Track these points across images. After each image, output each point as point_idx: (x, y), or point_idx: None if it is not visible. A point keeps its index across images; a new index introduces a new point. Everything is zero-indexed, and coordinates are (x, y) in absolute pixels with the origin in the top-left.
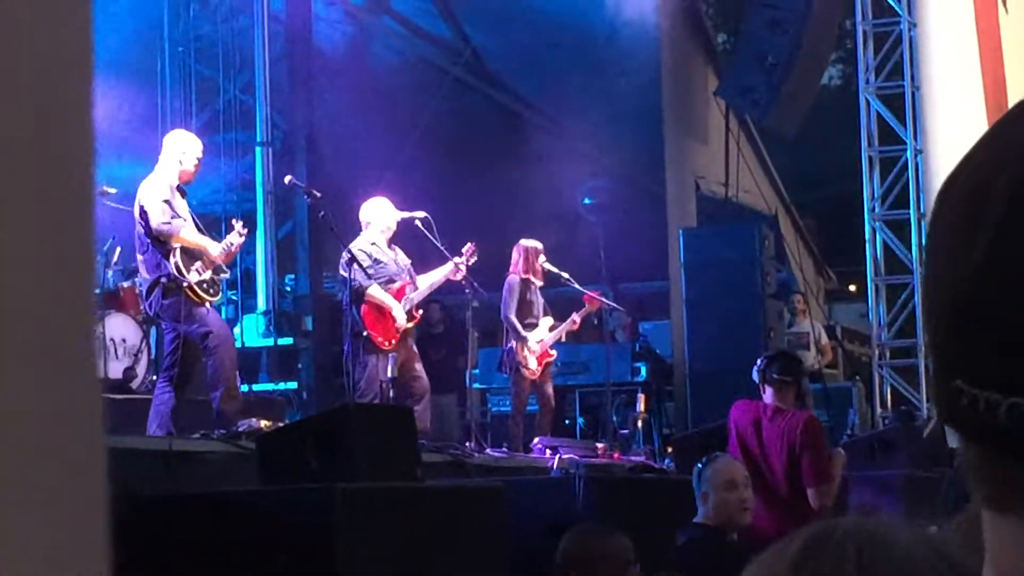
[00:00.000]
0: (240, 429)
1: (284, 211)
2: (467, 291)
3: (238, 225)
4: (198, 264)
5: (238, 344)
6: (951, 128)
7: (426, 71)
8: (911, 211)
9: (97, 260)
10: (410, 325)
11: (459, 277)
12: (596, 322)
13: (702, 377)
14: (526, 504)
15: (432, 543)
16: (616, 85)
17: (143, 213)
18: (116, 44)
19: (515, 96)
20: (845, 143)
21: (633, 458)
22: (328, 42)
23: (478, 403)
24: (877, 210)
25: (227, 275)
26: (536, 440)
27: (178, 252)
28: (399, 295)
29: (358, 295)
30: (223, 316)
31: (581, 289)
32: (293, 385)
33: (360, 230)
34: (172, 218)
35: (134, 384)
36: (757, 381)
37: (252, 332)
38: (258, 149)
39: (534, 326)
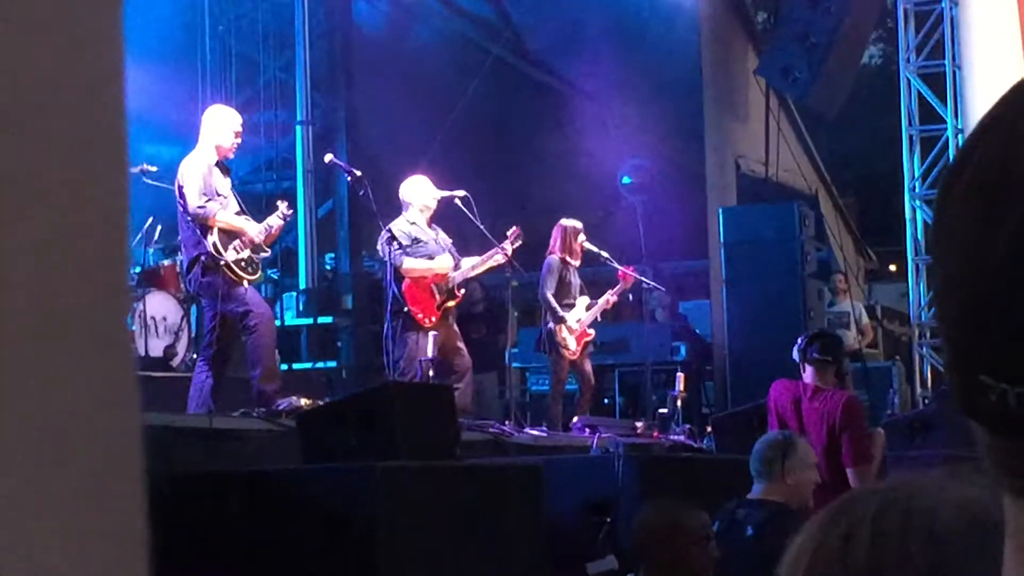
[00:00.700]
0: (280, 407)
1: (324, 190)
2: (507, 271)
3: (283, 205)
4: (236, 243)
5: (278, 323)
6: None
7: (466, 50)
8: None
9: (138, 239)
10: (451, 303)
11: (503, 261)
12: (631, 298)
13: (741, 356)
14: (565, 483)
15: (471, 521)
16: (656, 64)
17: (181, 193)
18: (157, 23)
19: (555, 75)
20: (885, 122)
21: (672, 437)
22: (368, 21)
23: (517, 382)
24: (917, 189)
25: (268, 254)
26: (575, 419)
27: (216, 231)
28: (439, 276)
29: (397, 272)
30: (263, 295)
31: (619, 267)
32: (333, 364)
33: (400, 209)
34: (208, 201)
35: (174, 362)
36: (797, 360)
37: (292, 311)
38: (298, 128)
39: (571, 306)
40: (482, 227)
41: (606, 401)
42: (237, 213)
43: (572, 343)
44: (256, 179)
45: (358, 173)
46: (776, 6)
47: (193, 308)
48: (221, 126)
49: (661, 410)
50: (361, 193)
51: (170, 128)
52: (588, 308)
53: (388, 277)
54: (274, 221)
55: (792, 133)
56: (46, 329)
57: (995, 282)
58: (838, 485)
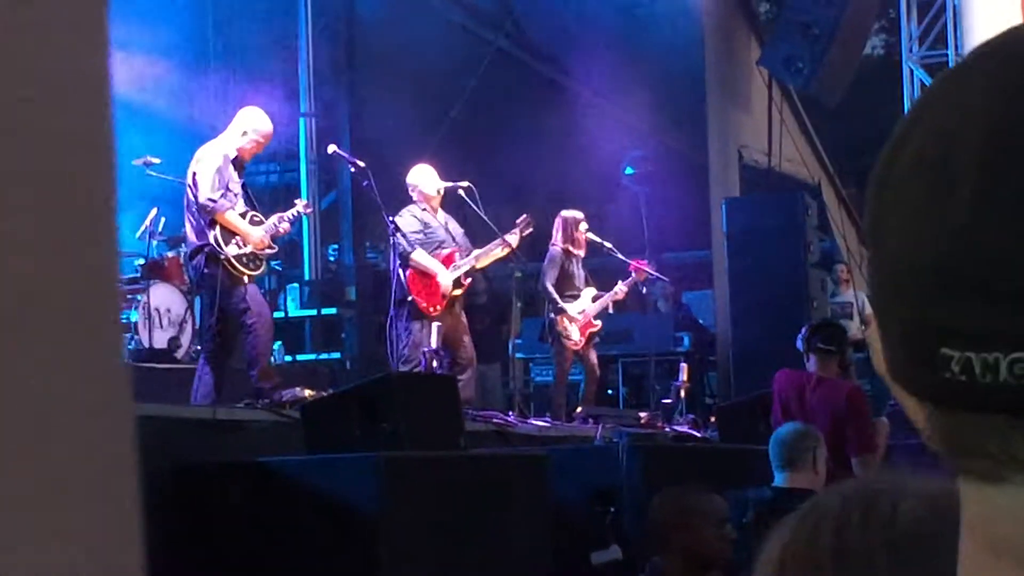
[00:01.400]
0: (284, 398)
1: (327, 181)
2: (511, 261)
3: (300, 203)
4: (238, 238)
5: (281, 314)
6: None
7: (469, 41)
8: None
9: (141, 230)
10: (457, 292)
11: (508, 252)
12: (642, 289)
13: (745, 347)
14: (569, 473)
15: (475, 512)
16: (658, 55)
17: (195, 180)
18: (162, 16)
19: (557, 66)
20: (888, 112)
21: (676, 427)
22: (371, 13)
23: (521, 373)
24: None
25: (274, 250)
26: (579, 409)
27: (219, 226)
28: (447, 262)
29: (403, 260)
30: (267, 286)
31: (624, 259)
32: (336, 355)
33: (405, 197)
34: (221, 195)
35: (178, 354)
36: (801, 350)
37: (296, 302)
38: (302, 120)
39: (575, 297)
40: (486, 218)
41: (610, 391)
42: (244, 212)
43: (575, 333)
44: (260, 171)
45: (361, 164)
46: None
47: (197, 300)
48: (251, 128)
49: (665, 400)
50: (364, 184)
51: (174, 120)
52: (595, 299)
53: (393, 265)
54: (283, 224)
55: (795, 123)
56: (36, 325)
57: (953, 248)
58: (843, 474)
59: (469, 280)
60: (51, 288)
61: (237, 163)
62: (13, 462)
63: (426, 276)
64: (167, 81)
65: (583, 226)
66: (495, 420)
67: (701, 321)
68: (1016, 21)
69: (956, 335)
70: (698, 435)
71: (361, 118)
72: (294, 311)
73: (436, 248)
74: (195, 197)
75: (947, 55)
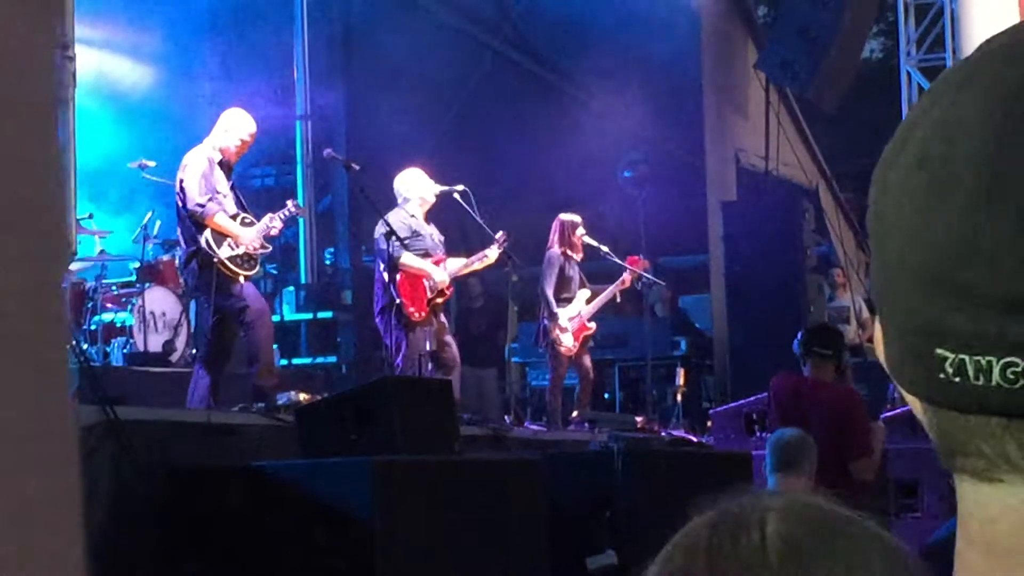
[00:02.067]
0: (279, 402)
1: (323, 185)
2: (507, 266)
3: (291, 204)
4: (230, 239)
5: (277, 318)
6: None
7: (466, 44)
8: None
9: (136, 234)
10: (440, 300)
11: (491, 262)
12: (638, 287)
13: (742, 351)
14: (565, 478)
15: (471, 516)
16: (656, 58)
17: (182, 187)
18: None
19: (554, 70)
20: (886, 116)
21: (672, 431)
22: (367, 15)
23: (517, 377)
24: None
25: (268, 250)
26: (575, 413)
27: (209, 229)
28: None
29: (393, 264)
30: (263, 290)
31: (619, 262)
32: (332, 359)
33: (395, 199)
34: (208, 200)
35: (173, 358)
36: (798, 354)
37: (291, 306)
38: (298, 123)
39: (569, 301)
40: (481, 222)
41: (606, 396)
42: (235, 214)
43: (568, 339)
44: (256, 174)
45: (357, 167)
46: (776, 0)
47: (192, 303)
48: (233, 129)
49: (662, 404)
50: (360, 188)
51: (170, 123)
52: (589, 301)
53: (379, 269)
54: (275, 223)
55: (792, 127)
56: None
57: (949, 253)
58: (839, 478)
59: (451, 289)
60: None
61: (224, 165)
62: None
63: (414, 280)
64: (163, 84)
65: (580, 230)
66: (491, 424)
67: (698, 325)
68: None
69: (951, 337)
70: (694, 439)
71: (357, 121)
72: (290, 315)
73: (423, 256)
74: (184, 204)
75: (945, 59)
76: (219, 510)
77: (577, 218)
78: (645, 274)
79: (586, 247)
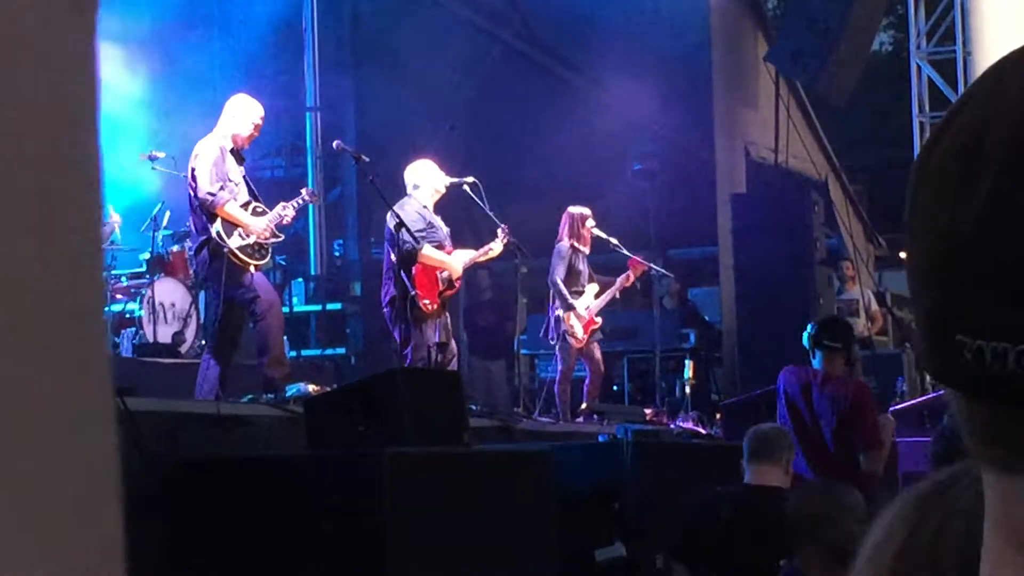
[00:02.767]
0: (289, 393)
1: (333, 176)
2: (516, 258)
3: (304, 191)
4: (240, 229)
5: (287, 309)
6: None
7: (474, 36)
8: None
9: (146, 225)
10: (450, 292)
11: (496, 254)
12: (639, 287)
13: (750, 343)
14: (573, 469)
15: (480, 508)
16: (665, 50)
17: (193, 176)
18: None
19: (563, 62)
20: (896, 108)
21: (681, 424)
22: (376, 7)
23: (526, 369)
24: None
25: (280, 238)
26: (583, 405)
27: (220, 219)
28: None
29: (411, 256)
30: (272, 281)
31: (629, 255)
32: (341, 350)
33: (404, 192)
34: (220, 188)
35: (183, 348)
36: (807, 347)
37: (301, 297)
38: (307, 114)
39: (580, 294)
40: (491, 214)
41: (615, 388)
42: (247, 202)
43: (579, 331)
44: (265, 165)
45: (366, 159)
46: None
47: (202, 294)
48: (241, 115)
49: (670, 397)
50: (369, 179)
51: (181, 113)
52: (597, 296)
53: (388, 261)
54: (288, 212)
55: (802, 119)
56: (21, 336)
57: (972, 237)
58: (848, 471)
59: (460, 282)
60: (37, 301)
61: (235, 153)
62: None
63: (429, 272)
64: (173, 76)
65: (590, 222)
66: (500, 416)
67: (707, 317)
68: None
69: (969, 323)
70: (703, 432)
71: (366, 113)
72: (299, 306)
73: (437, 248)
74: (195, 193)
75: (955, 51)
76: (228, 501)
77: (587, 211)
78: (654, 267)
79: (595, 240)
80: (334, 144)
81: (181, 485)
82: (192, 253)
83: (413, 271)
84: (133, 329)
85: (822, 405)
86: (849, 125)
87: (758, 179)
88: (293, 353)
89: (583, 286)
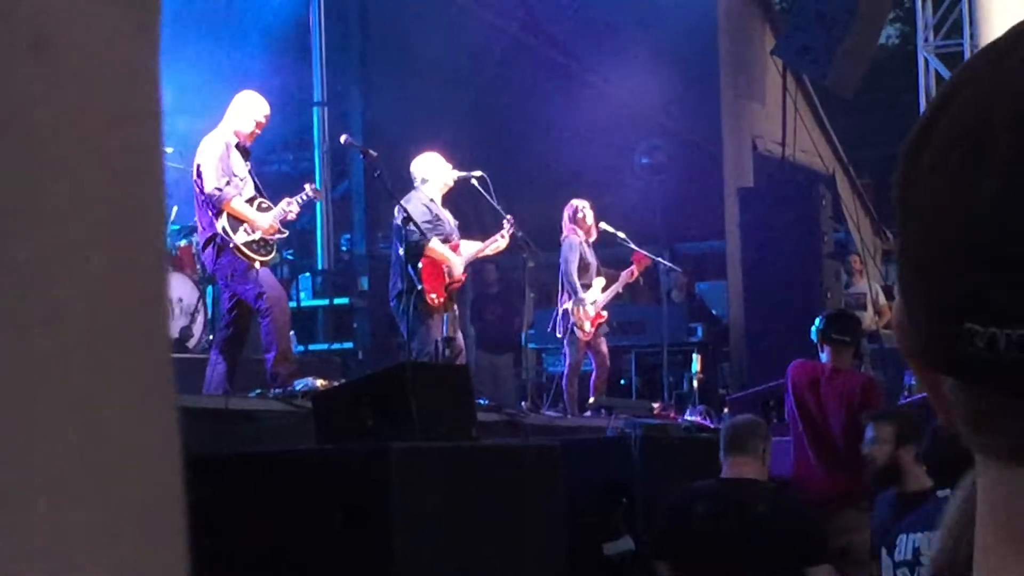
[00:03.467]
0: (296, 388)
1: (340, 171)
2: (523, 252)
3: (309, 187)
4: (246, 224)
5: (294, 304)
6: None
7: (481, 30)
8: None
9: None
10: (455, 286)
11: (500, 248)
12: (641, 282)
13: (758, 337)
14: (582, 464)
15: (488, 502)
16: (673, 44)
17: (199, 172)
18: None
19: (571, 56)
20: (903, 102)
21: (689, 418)
22: (384, 1)
23: (534, 363)
24: None
25: (285, 235)
26: (591, 400)
27: (226, 214)
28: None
29: (418, 249)
30: (279, 275)
31: (636, 248)
32: (349, 345)
33: (412, 185)
34: (226, 183)
35: (190, 343)
36: (816, 341)
37: (308, 292)
38: (315, 109)
39: (588, 287)
40: (499, 207)
41: (623, 382)
42: (252, 197)
43: (587, 325)
44: (273, 160)
45: (373, 154)
46: None
47: (209, 289)
48: (246, 111)
49: (678, 391)
50: (376, 174)
51: (187, 107)
52: (603, 290)
53: (396, 254)
54: (292, 208)
55: (809, 113)
56: (92, 350)
57: (983, 225)
58: (857, 464)
59: (465, 275)
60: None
61: (241, 149)
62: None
63: (436, 266)
64: (179, 70)
65: (588, 213)
66: (507, 411)
67: (714, 312)
68: None
69: (982, 310)
70: (711, 425)
71: (373, 107)
72: (306, 301)
73: (444, 241)
74: (201, 188)
75: (963, 45)
76: (236, 496)
77: (585, 202)
78: (661, 260)
79: (603, 233)
80: (341, 139)
81: (189, 480)
82: (199, 248)
83: (420, 265)
84: None
85: (831, 399)
86: (856, 119)
87: (765, 173)
88: (301, 348)
89: (591, 279)
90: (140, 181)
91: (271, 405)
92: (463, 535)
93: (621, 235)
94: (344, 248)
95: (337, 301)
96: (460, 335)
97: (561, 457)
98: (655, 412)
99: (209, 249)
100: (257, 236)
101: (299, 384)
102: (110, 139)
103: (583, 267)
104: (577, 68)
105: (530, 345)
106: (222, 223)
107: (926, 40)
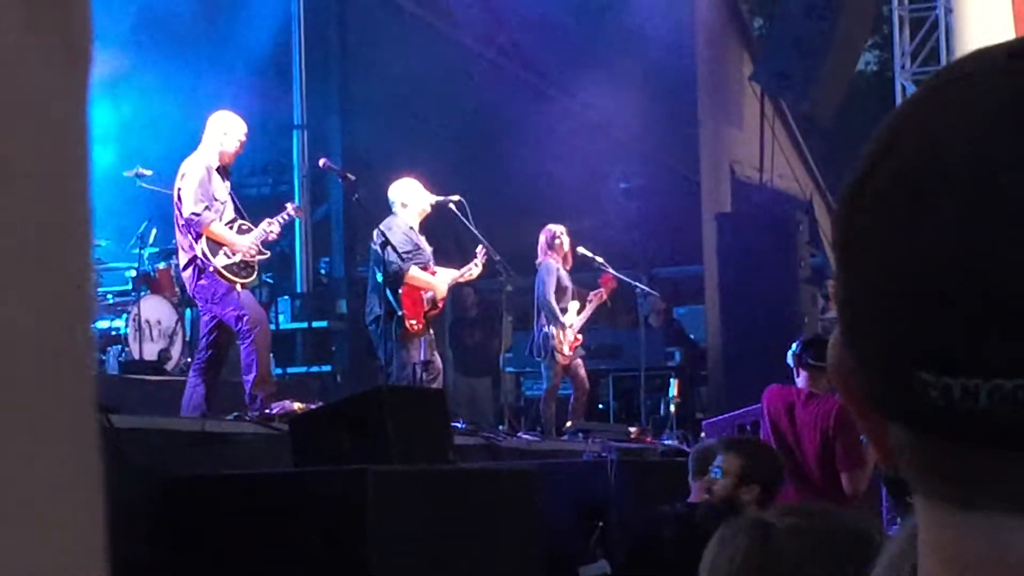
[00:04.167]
0: (274, 411)
1: (319, 194)
2: (501, 276)
3: (290, 206)
4: (226, 247)
5: (273, 327)
6: None
7: (460, 55)
8: None
9: (132, 242)
10: (434, 312)
11: (476, 276)
12: (609, 305)
13: (736, 362)
14: (558, 488)
15: (465, 526)
16: (651, 70)
17: (179, 196)
18: (154, 25)
19: (550, 81)
20: None
21: (666, 442)
22: (363, 25)
23: (512, 387)
24: None
25: (267, 256)
26: (568, 423)
27: (204, 238)
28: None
29: (398, 276)
30: (258, 298)
31: (615, 273)
32: (327, 368)
33: (389, 210)
34: (205, 208)
35: (168, 366)
36: (791, 365)
37: (287, 315)
38: (294, 132)
39: (564, 311)
40: (477, 232)
41: (600, 406)
42: (232, 220)
43: (566, 348)
44: (251, 183)
45: (352, 177)
46: (771, 12)
47: (188, 312)
48: (224, 133)
49: (655, 415)
50: (355, 197)
51: (167, 130)
52: (578, 313)
53: (373, 279)
54: (273, 228)
55: (787, 139)
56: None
57: (933, 275)
58: (831, 489)
59: (443, 302)
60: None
61: (221, 171)
62: None
63: (415, 292)
64: (159, 93)
65: (565, 238)
66: (485, 434)
67: (692, 336)
68: (1009, 37)
69: (936, 360)
70: (687, 450)
71: (352, 131)
72: (285, 324)
73: (423, 269)
74: (181, 212)
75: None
76: (213, 519)
77: (562, 227)
78: (639, 284)
79: (580, 258)
80: (320, 162)
81: (166, 502)
82: (179, 271)
83: (400, 291)
84: (119, 346)
85: (806, 424)
86: (834, 144)
87: (743, 198)
88: (279, 370)
89: (567, 302)
90: (64, 213)
91: (248, 428)
92: (440, 558)
93: (599, 259)
94: (323, 271)
95: (316, 324)
96: (438, 357)
97: (538, 481)
98: (632, 436)
99: (190, 271)
100: (237, 258)
101: (276, 407)
102: (29, 165)
103: (560, 291)
104: (555, 93)
105: (508, 368)
106: (201, 246)
107: (903, 67)
